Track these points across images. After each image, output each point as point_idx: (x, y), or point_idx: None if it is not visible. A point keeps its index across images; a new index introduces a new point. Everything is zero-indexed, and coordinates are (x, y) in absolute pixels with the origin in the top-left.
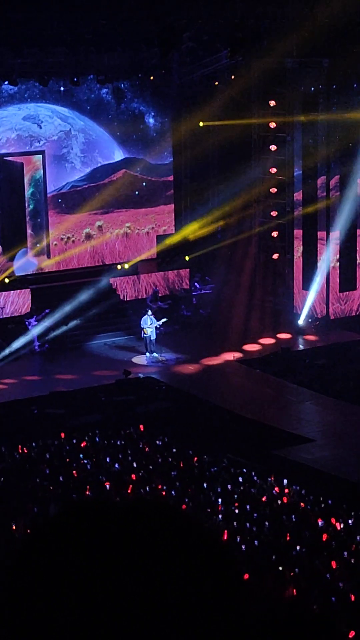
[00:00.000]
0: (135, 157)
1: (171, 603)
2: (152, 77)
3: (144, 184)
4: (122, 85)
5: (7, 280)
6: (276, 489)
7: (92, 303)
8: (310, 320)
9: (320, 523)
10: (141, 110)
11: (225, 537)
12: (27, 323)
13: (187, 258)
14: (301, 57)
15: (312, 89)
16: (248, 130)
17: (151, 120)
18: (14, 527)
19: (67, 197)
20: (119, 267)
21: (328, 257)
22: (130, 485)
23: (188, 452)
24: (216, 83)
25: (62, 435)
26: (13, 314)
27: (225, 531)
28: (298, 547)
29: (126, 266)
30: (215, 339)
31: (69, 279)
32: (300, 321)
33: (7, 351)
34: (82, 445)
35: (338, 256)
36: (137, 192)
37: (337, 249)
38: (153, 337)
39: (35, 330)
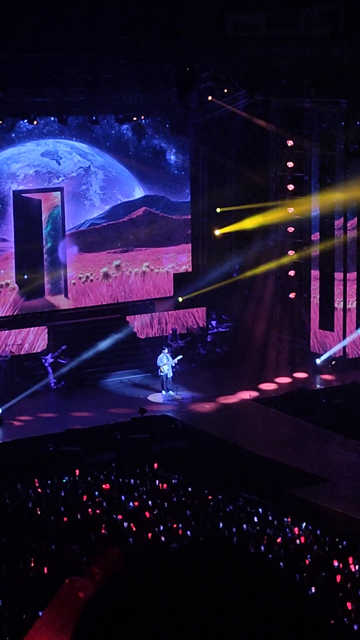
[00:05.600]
0: (155, 194)
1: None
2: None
3: (164, 222)
4: (143, 121)
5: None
6: (295, 530)
7: (108, 340)
8: (332, 361)
9: (335, 564)
10: (162, 147)
11: None
12: (43, 360)
13: (180, 299)
14: (319, 97)
15: (330, 128)
16: (265, 169)
17: (172, 157)
18: (32, 565)
19: (85, 235)
20: (180, 299)
21: (345, 297)
22: (150, 525)
23: (203, 490)
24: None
25: (78, 472)
26: (30, 351)
27: None
28: (313, 589)
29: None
30: (232, 377)
31: (86, 317)
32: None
33: (22, 388)
34: (98, 483)
35: (355, 297)
36: (157, 230)
37: (355, 290)
38: (170, 375)
39: (51, 367)
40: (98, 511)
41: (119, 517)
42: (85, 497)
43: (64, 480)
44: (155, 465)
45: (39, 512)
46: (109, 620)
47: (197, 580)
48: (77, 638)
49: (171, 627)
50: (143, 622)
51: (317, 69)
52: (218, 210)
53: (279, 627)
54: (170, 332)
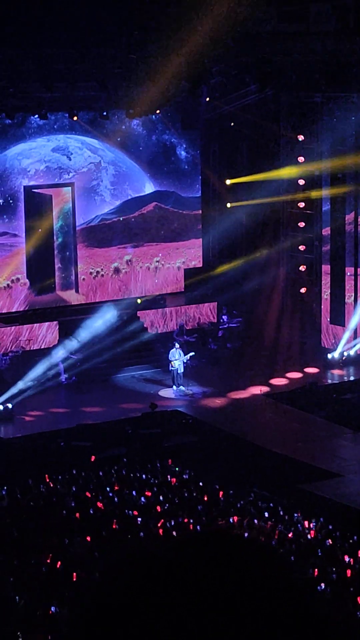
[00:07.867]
0: (166, 189)
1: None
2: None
3: (175, 217)
4: (154, 117)
5: None
6: (305, 524)
7: (119, 336)
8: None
9: (346, 559)
10: (172, 143)
11: None
12: None
13: (139, 301)
14: (330, 92)
15: (341, 123)
16: (276, 164)
17: (182, 153)
18: (45, 560)
19: (96, 230)
20: (139, 300)
21: (356, 292)
22: (161, 520)
23: (214, 485)
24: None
25: (89, 467)
26: (41, 346)
27: None
28: (323, 585)
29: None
30: (243, 372)
31: (97, 312)
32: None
33: (34, 383)
34: (109, 477)
35: None
36: (167, 226)
37: None
38: (180, 370)
39: (63, 363)
40: (109, 506)
41: (131, 512)
42: (95, 492)
43: (75, 475)
44: (170, 461)
45: (50, 507)
46: (110, 614)
47: (198, 573)
48: (79, 631)
49: (172, 622)
50: (144, 617)
51: (327, 64)
52: (228, 205)
53: (280, 624)
54: (177, 327)
